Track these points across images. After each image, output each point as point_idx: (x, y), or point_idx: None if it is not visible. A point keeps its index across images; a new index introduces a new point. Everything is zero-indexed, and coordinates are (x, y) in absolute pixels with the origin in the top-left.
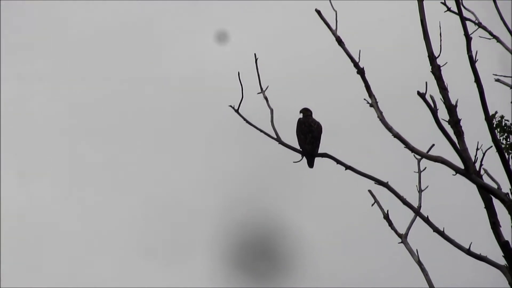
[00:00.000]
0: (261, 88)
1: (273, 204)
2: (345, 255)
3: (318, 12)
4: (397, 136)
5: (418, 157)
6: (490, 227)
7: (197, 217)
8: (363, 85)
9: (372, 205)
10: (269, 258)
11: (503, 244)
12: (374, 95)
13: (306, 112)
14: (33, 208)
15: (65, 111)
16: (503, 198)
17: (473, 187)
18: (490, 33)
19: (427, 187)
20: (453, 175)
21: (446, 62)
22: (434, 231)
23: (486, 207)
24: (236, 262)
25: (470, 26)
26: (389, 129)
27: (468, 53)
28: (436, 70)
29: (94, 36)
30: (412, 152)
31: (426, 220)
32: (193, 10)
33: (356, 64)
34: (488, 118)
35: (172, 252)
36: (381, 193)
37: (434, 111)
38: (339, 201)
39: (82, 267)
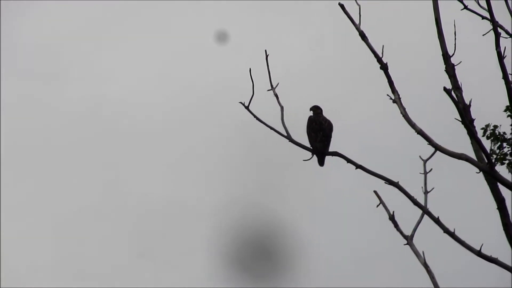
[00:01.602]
0: (271, 85)
1: (281, 203)
2: (351, 256)
3: (342, 6)
4: (420, 132)
5: (424, 158)
6: (502, 228)
7: (198, 216)
8: (386, 80)
9: (377, 206)
10: (277, 257)
11: None
12: (397, 91)
13: (316, 110)
14: (28, 206)
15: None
16: None
17: (484, 189)
18: (507, 32)
19: (433, 188)
20: (477, 172)
21: (461, 61)
22: (444, 232)
23: (498, 208)
24: (243, 262)
25: (486, 25)
26: (413, 125)
27: (496, 49)
28: (450, 69)
29: None
30: (435, 149)
31: (437, 221)
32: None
33: (379, 60)
34: None
35: (171, 252)
36: (390, 193)
37: (460, 108)
38: (348, 200)
39: (82, 267)
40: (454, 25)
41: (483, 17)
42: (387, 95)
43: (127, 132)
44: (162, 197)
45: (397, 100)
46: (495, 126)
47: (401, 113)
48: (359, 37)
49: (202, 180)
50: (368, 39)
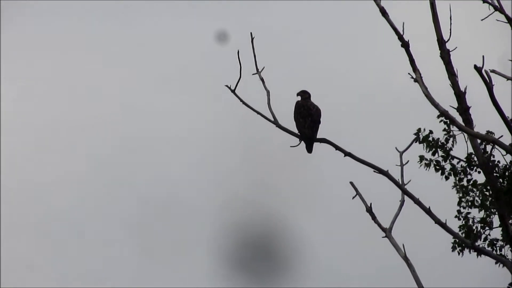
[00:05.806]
0: (257, 69)
1: (270, 192)
2: (335, 247)
3: None
4: (444, 113)
5: (400, 150)
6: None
7: (193, 213)
8: (408, 59)
9: (353, 197)
10: (262, 254)
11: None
12: (418, 70)
13: (304, 94)
14: (28, 205)
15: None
16: None
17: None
18: (507, 17)
19: (410, 181)
20: (503, 155)
21: (456, 47)
22: (435, 222)
23: (496, 198)
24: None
25: (486, 10)
26: (436, 105)
27: None
28: (445, 55)
29: None
30: (460, 130)
31: (428, 211)
32: None
33: (400, 37)
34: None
35: (172, 252)
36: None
37: (490, 87)
38: (335, 189)
39: (83, 266)
40: (450, 9)
41: (485, 1)
42: (408, 73)
43: (126, 132)
44: (162, 197)
45: (418, 79)
46: (430, 131)
47: (423, 92)
48: (380, 14)
49: (192, 174)
50: (388, 15)
